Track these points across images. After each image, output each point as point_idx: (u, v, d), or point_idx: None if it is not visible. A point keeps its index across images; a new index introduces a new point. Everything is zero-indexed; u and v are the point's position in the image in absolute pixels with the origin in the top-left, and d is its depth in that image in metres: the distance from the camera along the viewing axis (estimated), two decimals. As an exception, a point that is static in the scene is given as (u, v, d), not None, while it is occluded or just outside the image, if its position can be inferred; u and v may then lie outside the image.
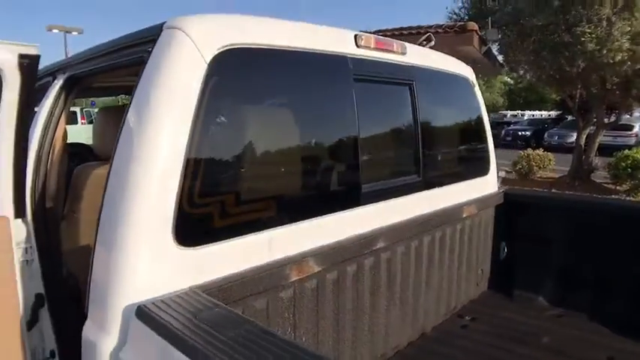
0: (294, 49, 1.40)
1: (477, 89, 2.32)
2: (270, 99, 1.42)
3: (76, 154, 2.63)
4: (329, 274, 1.46)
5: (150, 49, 1.19)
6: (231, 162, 1.27)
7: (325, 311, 1.48)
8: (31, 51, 1.51)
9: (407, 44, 1.85)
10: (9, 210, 1.58)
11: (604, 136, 13.51)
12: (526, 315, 2.21)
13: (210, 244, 1.17)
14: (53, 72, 1.82)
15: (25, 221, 1.63)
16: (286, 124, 1.45)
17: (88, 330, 1.14)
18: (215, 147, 1.23)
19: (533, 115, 27.89)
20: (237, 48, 1.24)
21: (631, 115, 23.39)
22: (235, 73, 1.26)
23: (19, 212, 1.62)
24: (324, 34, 1.54)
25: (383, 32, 8.48)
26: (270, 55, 1.33)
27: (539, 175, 10.84)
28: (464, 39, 7.92)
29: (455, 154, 2.29)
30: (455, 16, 11.55)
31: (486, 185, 2.39)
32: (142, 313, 0.98)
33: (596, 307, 2.16)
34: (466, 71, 2.29)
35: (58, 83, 1.75)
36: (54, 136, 1.80)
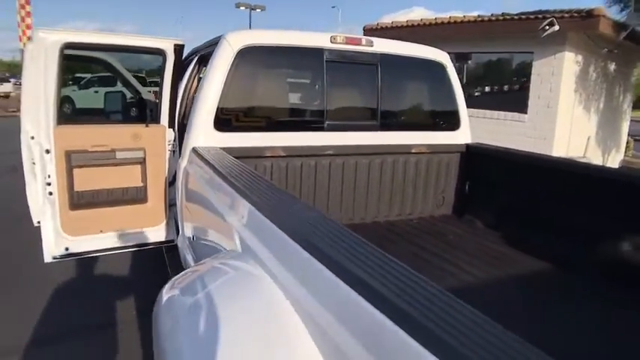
0: (287, 45, 2.78)
1: (449, 69, 3.33)
2: (269, 71, 2.84)
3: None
4: (294, 160, 2.83)
5: (215, 45, 2.71)
6: (245, 98, 2.74)
7: (290, 182, 2.84)
8: (180, 42, 3.17)
9: (376, 39, 3.04)
10: (165, 122, 3.30)
11: None
12: (463, 229, 3.17)
13: (230, 132, 2.66)
14: (194, 52, 3.52)
15: (173, 129, 3.34)
16: (280, 84, 2.86)
17: (180, 161, 2.73)
18: (236, 91, 2.70)
19: None
20: (252, 46, 2.68)
21: None
22: (250, 58, 2.70)
23: (171, 125, 3.33)
24: (309, 36, 2.87)
25: (510, 16, 8.89)
26: (271, 49, 2.74)
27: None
28: (590, 24, 7.91)
29: (416, 112, 3.37)
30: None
31: (456, 138, 3.40)
32: (195, 150, 2.52)
33: (519, 234, 2.93)
34: (440, 57, 3.32)
35: (194, 59, 3.44)
36: (190, 88, 3.50)
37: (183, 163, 2.67)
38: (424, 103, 3.45)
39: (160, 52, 3.14)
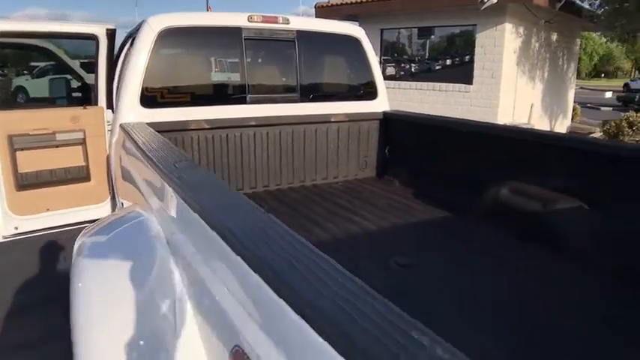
0: (206, 26, 3.03)
1: (365, 44, 3.63)
2: (191, 50, 3.09)
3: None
4: (220, 132, 3.10)
5: (139, 29, 2.93)
6: (168, 76, 2.99)
7: (217, 152, 3.12)
8: (112, 27, 3.37)
9: (293, 17, 3.32)
10: (104, 104, 3.51)
11: None
12: (381, 188, 3.52)
13: (156, 108, 2.91)
14: (130, 36, 3.72)
15: (111, 110, 3.55)
16: (201, 62, 3.12)
17: (111, 138, 2.97)
18: (159, 70, 2.94)
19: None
20: (172, 27, 2.91)
21: None
22: (170, 39, 2.94)
23: (109, 106, 3.54)
24: (227, 17, 3.12)
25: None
26: (190, 30, 2.99)
27: (629, 139, 10.48)
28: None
29: (335, 84, 3.68)
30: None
31: (374, 107, 3.73)
32: (121, 126, 2.77)
33: (427, 189, 3.29)
34: (356, 32, 3.62)
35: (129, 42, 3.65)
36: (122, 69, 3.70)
37: (114, 139, 2.92)
38: (342, 75, 3.76)
39: (93, 37, 3.33)
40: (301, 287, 0.77)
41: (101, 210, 3.67)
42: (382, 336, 0.64)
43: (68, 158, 3.50)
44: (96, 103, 3.52)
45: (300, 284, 0.78)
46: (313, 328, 0.70)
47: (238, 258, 0.94)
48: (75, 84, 4.19)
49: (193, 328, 1.17)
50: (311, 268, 0.83)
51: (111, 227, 1.69)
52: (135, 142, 2.13)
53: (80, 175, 3.53)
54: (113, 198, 3.66)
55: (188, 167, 1.62)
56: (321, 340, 0.69)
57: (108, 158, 3.57)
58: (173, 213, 1.49)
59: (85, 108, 3.46)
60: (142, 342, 1.19)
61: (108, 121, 3.55)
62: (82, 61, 4.44)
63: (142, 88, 2.85)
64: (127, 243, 1.55)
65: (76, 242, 1.69)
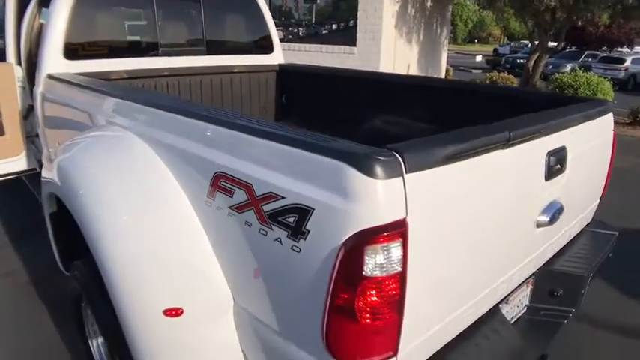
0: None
1: (260, 3, 4.23)
2: (108, 8, 3.48)
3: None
4: (137, 82, 3.55)
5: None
6: (89, 31, 3.36)
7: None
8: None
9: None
10: (13, 60, 3.72)
11: (595, 67, 14.63)
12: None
13: (78, 60, 3.28)
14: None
15: (20, 67, 3.77)
16: (118, 19, 3.52)
17: (35, 89, 3.28)
18: (80, 24, 3.29)
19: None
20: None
21: (631, 49, 23.71)
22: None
23: (18, 61, 3.75)
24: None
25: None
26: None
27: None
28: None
29: (235, 39, 4.28)
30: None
31: (271, 59, 4.38)
32: (50, 75, 3.11)
33: (319, 130, 4.09)
34: (250, -9, 4.21)
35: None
36: (33, 26, 3.91)
37: (39, 89, 3.24)
38: (242, 31, 4.34)
39: None
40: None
41: (18, 163, 3.91)
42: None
43: None
44: (4, 60, 3.71)
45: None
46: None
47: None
48: None
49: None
50: None
51: (88, 143, 2.14)
52: (75, 84, 2.58)
53: None
54: (28, 152, 3.90)
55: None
56: None
57: (20, 113, 3.81)
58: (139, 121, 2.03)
59: (-6, 65, 3.65)
60: (165, 239, 1.59)
61: (18, 77, 3.77)
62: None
63: (65, 43, 3.19)
64: (115, 152, 1.90)
65: (55, 162, 2.13)
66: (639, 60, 20.12)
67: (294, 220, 1.22)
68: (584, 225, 2.51)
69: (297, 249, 1.22)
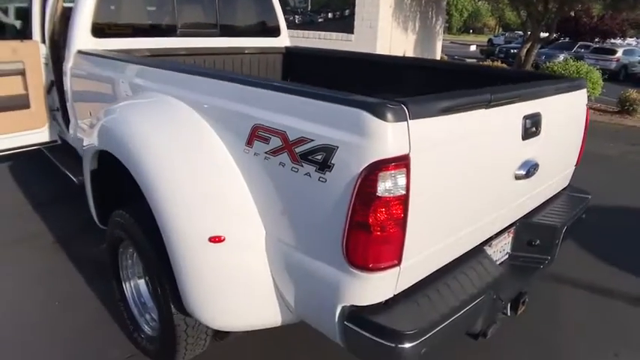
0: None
1: (271, -7, 4.54)
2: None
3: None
4: (160, 56, 3.86)
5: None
6: (115, 12, 3.65)
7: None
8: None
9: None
10: (38, 39, 4.00)
11: (588, 58, 15.01)
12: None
13: (105, 38, 3.57)
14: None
15: (45, 45, 4.05)
16: (139, 0, 3.80)
17: (65, 65, 3.58)
18: (107, 6, 3.58)
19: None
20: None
21: (624, 40, 24.15)
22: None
23: (42, 40, 4.03)
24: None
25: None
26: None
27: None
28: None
29: (247, 23, 4.58)
30: None
31: (278, 42, 4.69)
32: (81, 51, 3.41)
33: None
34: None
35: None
36: (57, 7, 4.19)
37: (69, 64, 3.53)
38: (251, 15, 4.65)
39: None
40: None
41: (42, 134, 4.21)
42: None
43: (10, 86, 3.97)
44: (31, 38, 3.99)
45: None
46: None
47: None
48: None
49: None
50: None
51: (134, 106, 2.46)
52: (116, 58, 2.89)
53: (22, 102, 4.02)
54: (50, 124, 4.19)
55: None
56: None
57: (44, 88, 4.10)
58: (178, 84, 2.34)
59: (22, 41, 3.93)
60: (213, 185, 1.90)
61: (42, 54, 4.06)
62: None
63: (93, 22, 3.49)
64: (161, 112, 2.16)
65: (101, 125, 2.44)
66: (631, 51, 20.60)
67: (322, 157, 1.56)
68: (561, 189, 2.88)
69: (324, 179, 1.57)
